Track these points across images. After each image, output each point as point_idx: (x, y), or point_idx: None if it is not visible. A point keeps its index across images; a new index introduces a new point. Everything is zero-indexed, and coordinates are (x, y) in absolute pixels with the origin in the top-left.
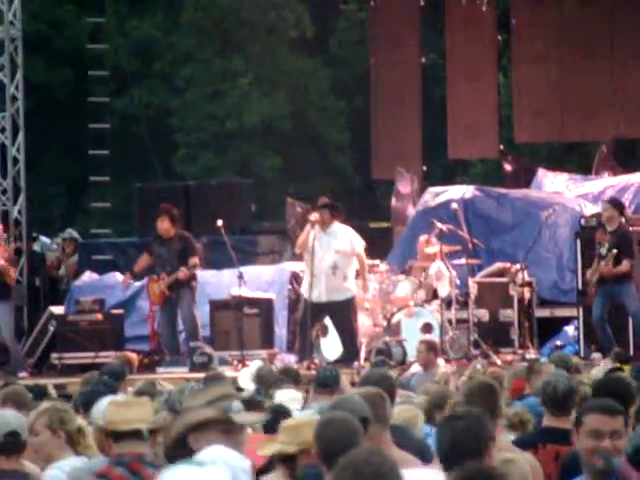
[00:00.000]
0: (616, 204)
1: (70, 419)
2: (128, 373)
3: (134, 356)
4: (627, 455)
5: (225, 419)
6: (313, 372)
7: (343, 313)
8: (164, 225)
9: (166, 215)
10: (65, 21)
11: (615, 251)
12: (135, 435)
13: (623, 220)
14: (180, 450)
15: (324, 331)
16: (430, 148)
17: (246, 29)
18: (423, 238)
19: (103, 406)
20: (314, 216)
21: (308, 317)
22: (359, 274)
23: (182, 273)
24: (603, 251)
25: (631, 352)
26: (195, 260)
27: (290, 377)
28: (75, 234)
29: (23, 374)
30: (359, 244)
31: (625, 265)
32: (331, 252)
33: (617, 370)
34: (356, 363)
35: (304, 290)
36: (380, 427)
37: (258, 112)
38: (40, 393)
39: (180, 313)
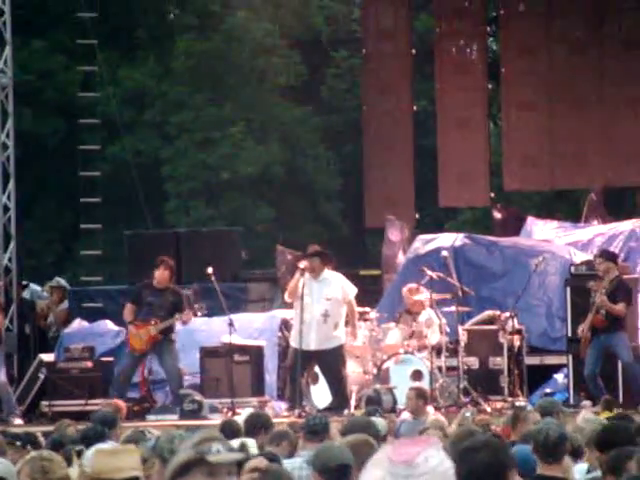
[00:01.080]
0: (609, 255)
1: (54, 468)
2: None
3: (122, 404)
4: None
5: (199, 459)
6: (303, 420)
7: (332, 361)
8: (164, 276)
9: (167, 266)
10: (55, 71)
11: (599, 294)
12: None
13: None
14: None
15: (314, 379)
16: (422, 196)
17: (236, 75)
18: (407, 287)
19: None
20: (303, 264)
21: (298, 365)
22: (349, 321)
23: (186, 316)
24: (596, 299)
25: (620, 399)
26: (190, 314)
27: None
28: (63, 282)
29: (18, 421)
30: (351, 291)
31: (620, 307)
32: (322, 300)
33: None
34: (346, 411)
35: (293, 338)
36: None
37: (251, 162)
38: (29, 441)
39: (162, 365)
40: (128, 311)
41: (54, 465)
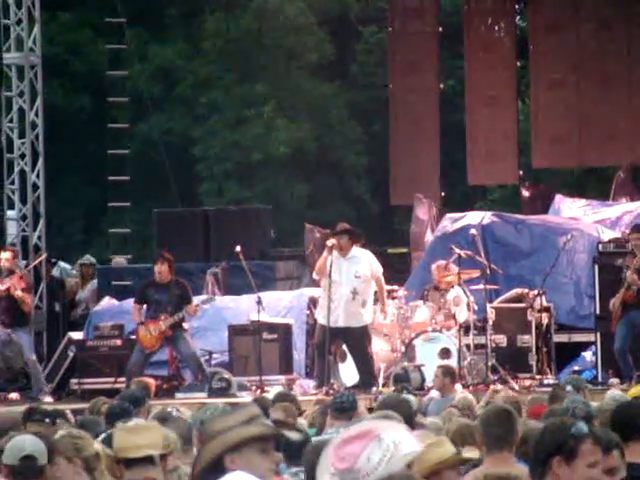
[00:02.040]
0: None
1: (85, 446)
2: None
3: (151, 381)
4: None
5: (271, 434)
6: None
7: (358, 339)
8: (164, 270)
9: (165, 261)
10: (83, 45)
11: (629, 272)
12: (146, 461)
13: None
14: (213, 473)
15: (343, 356)
16: (449, 174)
17: (266, 54)
18: (436, 265)
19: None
20: (331, 241)
21: (327, 342)
22: (378, 298)
23: (192, 309)
24: (627, 274)
25: None
26: (196, 301)
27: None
28: (93, 259)
29: (48, 399)
30: (378, 268)
31: None
32: (351, 277)
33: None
34: (374, 389)
35: (320, 315)
36: None
37: (283, 141)
38: (57, 418)
39: (179, 354)
40: (135, 312)
41: (85, 442)
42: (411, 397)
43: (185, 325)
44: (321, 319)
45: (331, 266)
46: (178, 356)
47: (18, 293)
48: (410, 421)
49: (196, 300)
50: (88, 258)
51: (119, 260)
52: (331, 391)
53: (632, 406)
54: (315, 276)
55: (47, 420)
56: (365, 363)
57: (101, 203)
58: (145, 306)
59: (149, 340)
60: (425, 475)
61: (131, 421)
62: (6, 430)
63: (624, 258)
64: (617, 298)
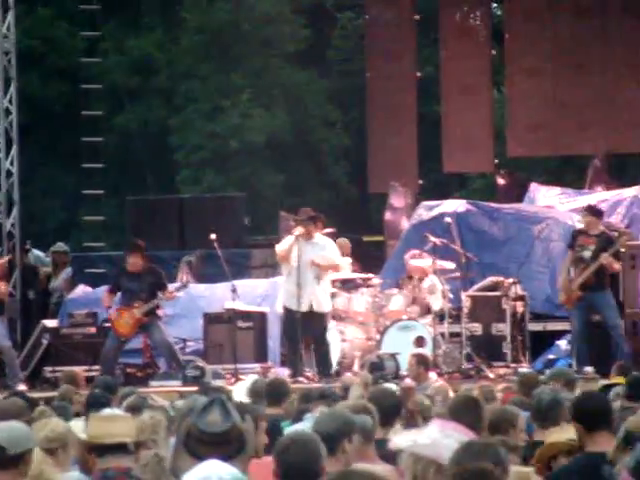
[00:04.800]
0: (593, 211)
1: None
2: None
3: (79, 371)
4: (629, 469)
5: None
6: (306, 385)
7: (322, 325)
8: (137, 260)
9: (138, 250)
10: (59, 38)
11: (606, 254)
12: (120, 449)
13: (602, 226)
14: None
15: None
16: (426, 162)
17: (243, 44)
18: (409, 254)
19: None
20: (299, 230)
21: (298, 329)
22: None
23: (168, 295)
24: (587, 254)
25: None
26: (171, 291)
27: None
28: (66, 247)
29: (22, 387)
30: (334, 253)
31: (619, 265)
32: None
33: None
34: (348, 374)
35: (287, 302)
36: (364, 441)
37: (260, 130)
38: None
39: (152, 341)
40: (106, 297)
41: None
42: (393, 386)
43: (160, 312)
44: (288, 305)
45: (298, 252)
46: (152, 344)
47: None
48: (399, 411)
49: (170, 288)
50: (61, 246)
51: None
52: (304, 379)
53: (595, 397)
54: (278, 260)
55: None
56: (326, 349)
57: (77, 191)
58: (120, 294)
59: (123, 327)
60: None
61: (104, 410)
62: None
63: (579, 237)
64: (581, 278)
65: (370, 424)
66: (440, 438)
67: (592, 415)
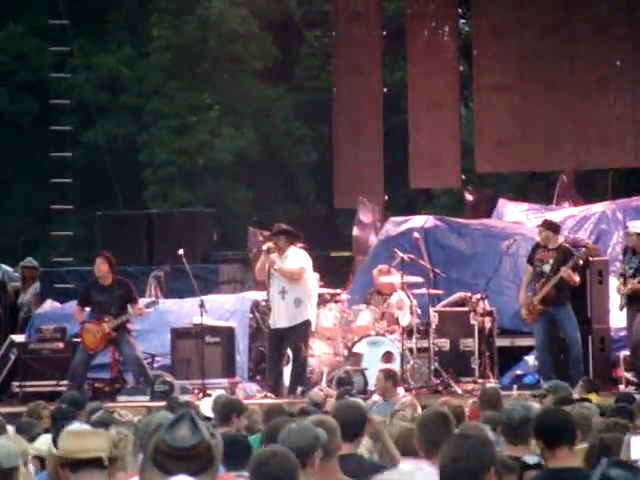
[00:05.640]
0: (550, 225)
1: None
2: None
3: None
4: None
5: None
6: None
7: (293, 339)
8: (104, 268)
9: (105, 259)
10: (30, 54)
11: (565, 268)
12: (95, 464)
13: (561, 239)
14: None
15: (287, 360)
16: (393, 178)
17: (211, 61)
18: (377, 269)
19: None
20: (267, 245)
21: (276, 346)
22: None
23: (138, 310)
24: (546, 268)
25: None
26: (141, 304)
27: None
28: (35, 262)
29: None
30: (304, 265)
31: (578, 278)
32: (280, 277)
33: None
34: (299, 389)
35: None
36: (323, 456)
37: (227, 148)
38: None
39: (121, 355)
40: (78, 313)
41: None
42: (360, 401)
43: (130, 326)
44: (269, 323)
45: (269, 268)
46: (121, 358)
47: None
48: (363, 426)
49: (140, 303)
50: (30, 261)
51: None
52: (272, 396)
53: (556, 413)
54: (257, 278)
55: None
56: (297, 363)
57: (46, 206)
58: (89, 308)
59: (92, 341)
60: None
61: (73, 424)
62: None
63: (538, 252)
64: (542, 292)
65: (325, 438)
66: (414, 470)
67: (552, 431)
